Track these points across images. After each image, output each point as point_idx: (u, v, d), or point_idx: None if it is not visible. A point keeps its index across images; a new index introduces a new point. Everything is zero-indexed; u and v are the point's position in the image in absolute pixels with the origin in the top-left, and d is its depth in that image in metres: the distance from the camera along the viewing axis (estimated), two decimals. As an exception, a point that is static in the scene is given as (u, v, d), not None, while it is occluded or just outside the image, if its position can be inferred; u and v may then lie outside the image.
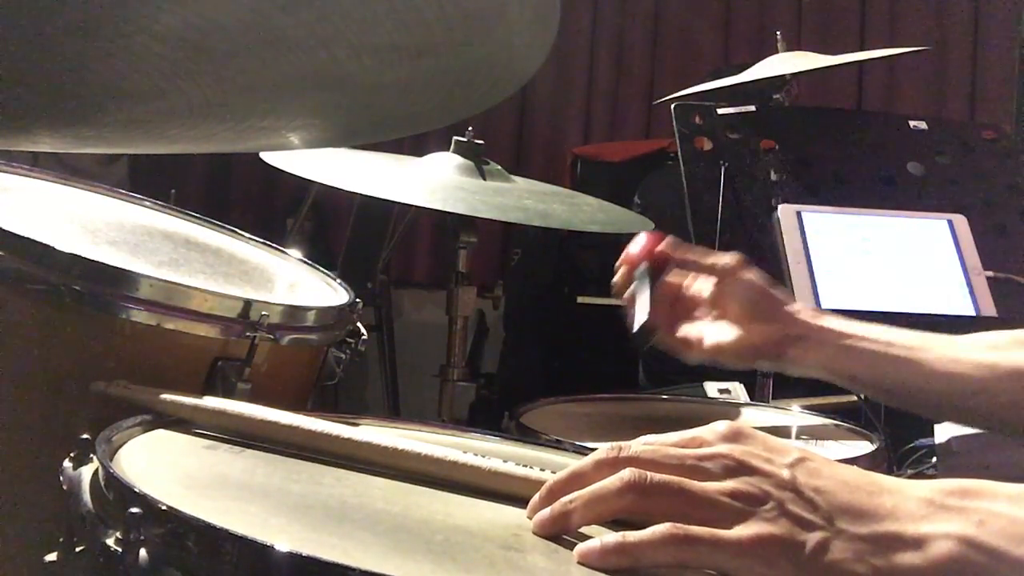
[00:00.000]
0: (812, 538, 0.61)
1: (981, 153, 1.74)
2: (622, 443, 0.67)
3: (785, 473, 0.64)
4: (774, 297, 1.13)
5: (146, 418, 0.80)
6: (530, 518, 0.67)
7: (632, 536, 0.60)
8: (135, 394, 0.86)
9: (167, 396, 0.84)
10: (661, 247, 1.15)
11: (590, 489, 0.65)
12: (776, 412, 1.54)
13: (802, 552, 0.60)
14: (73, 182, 1.29)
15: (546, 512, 0.66)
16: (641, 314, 1.07)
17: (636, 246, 1.16)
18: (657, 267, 1.14)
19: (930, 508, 0.63)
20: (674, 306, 1.16)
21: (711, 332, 1.14)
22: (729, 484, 0.63)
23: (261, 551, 0.53)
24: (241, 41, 0.80)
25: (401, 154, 1.59)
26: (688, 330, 1.15)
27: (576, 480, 0.66)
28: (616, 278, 1.18)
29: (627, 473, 0.64)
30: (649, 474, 0.64)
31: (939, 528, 0.61)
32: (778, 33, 2.39)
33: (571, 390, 1.50)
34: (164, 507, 0.56)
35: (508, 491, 0.73)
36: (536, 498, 0.68)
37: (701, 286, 1.15)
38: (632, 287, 1.13)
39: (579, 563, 0.61)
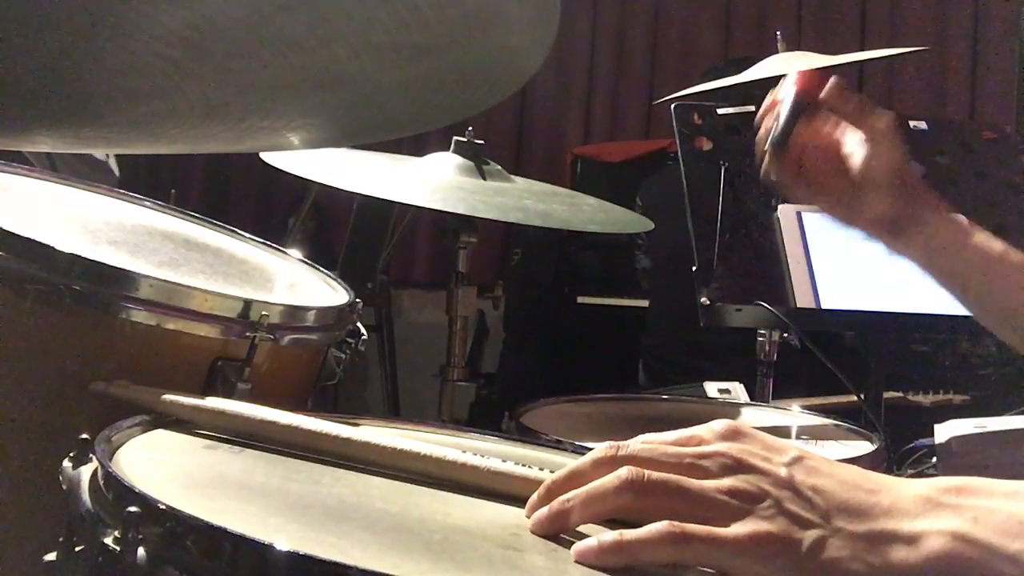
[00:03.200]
0: (809, 536, 0.61)
1: (981, 153, 1.74)
2: (620, 442, 0.67)
3: (783, 471, 0.64)
4: (912, 173, 1.10)
5: (146, 418, 0.80)
6: (528, 517, 0.67)
7: (630, 534, 0.61)
8: (135, 394, 0.86)
9: (167, 396, 0.84)
10: (824, 90, 1.11)
11: (588, 488, 0.65)
12: (776, 412, 1.54)
13: (799, 550, 0.60)
14: (73, 182, 1.29)
15: (544, 511, 0.66)
16: (778, 128, 1.05)
17: (790, 80, 1.12)
18: (808, 97, 1.10)
19: (926, 505, 0.63)
20: (815, 156, 1.11)
21: (843, 195, 1.11)
22: (727, 482, 0.63)
23: (260, 550, 0.53)
24: (241, 41, 0.80)
25: (401, 154, 1.59)
26: (822, 188, 1.12)
27: (574, 479, 0.66)
28: (761, 110, 1.14)
29: (625, 472, 0.64)
30: (647, 472, 0.64)
31: (934, 524, 0.61)
32: (778, 33, 2.38)
33: (571, 390, 1.50)
34: (163, 506, 0.56)
35: (507, 491, 0.73)
36: (534, 497, 0.68)
37: (849, 138, 1.10)
38: (776, 110, 1.10)
39: (577, 562, 0.61)
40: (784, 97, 1.10)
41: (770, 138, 1.06)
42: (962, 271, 1.08)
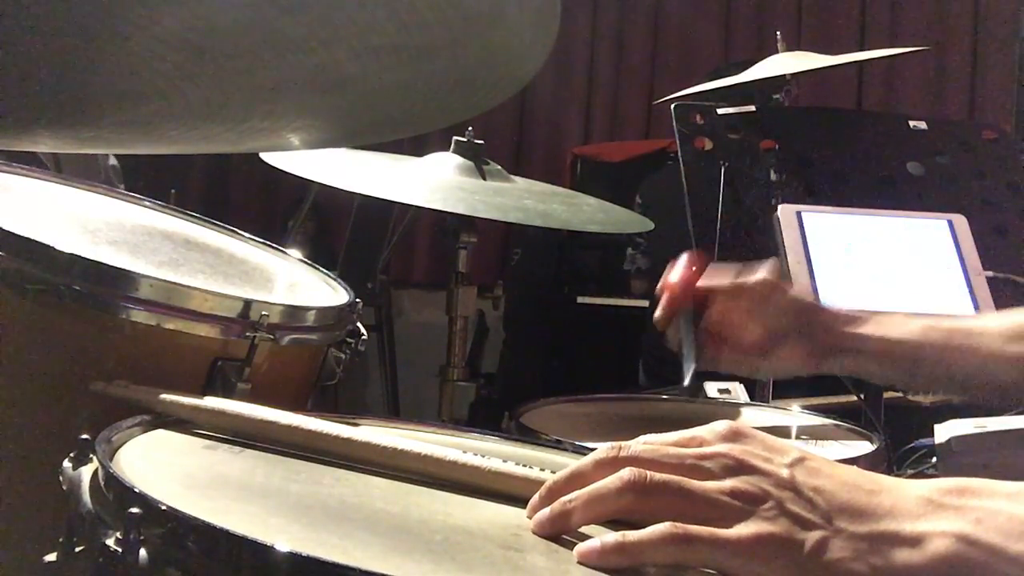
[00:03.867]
0: (811, 537, 0.61)
1: (981, 153, 1.74)
2: (622, 443, 0.67)
3: (784, 472, 0.64)
4: (810, 312, 1.17)
5: (146, 418, 0.80)
6: (530, 518, 0.67)
7: (632, 535, 0.61)
8: (135, 394, 0.86)
9: (167, 396, 0.84)
10: (700, 284, 1.18)
11: (589, 489, 0.65)
12: (776, 412, 1.54)
13: (801, 551, 0.60)
14: (73, 182, 1.29)
15: (546, 512, 0.66)
16: (689, 363, 1.12)
17: (676, 275, 1.19)
18: (698, 306, 1.17)
19: (928, 506, 0.63)
20: (719, 335, 1.19)
21: (765, 355, 1.18)
22: (728, 483, 0.63)
23: (261, 551, 0.53)
24: (241, 42, 0.80)
25: (401, 154, 1.59)
26: (738, 366, 1.20)
27: (576, 480, 0.66)
28: (657, 313, 1.20)
29: (627, 473, 0.64)
30: (649, 473, 0.64)
31: (937, 526, 0.61)
32: (778, 33, 2.39)
33: (571, 390, 1.49)
34: (164, 507, 0.56)
35: (508, 491, 0.73)
36: (536, 498, 0.68)
37: (739, 313, 1.17)
38: (678, 328, 1.17)
39: (579, 563, 0.61)
40: (683, 328, 1.17)
41: (689, 376, 1.13)
42: (909, 359, 1.14)
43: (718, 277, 1.19)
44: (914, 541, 0.61)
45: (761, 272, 1.17)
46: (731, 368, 1.21)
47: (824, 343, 1.15)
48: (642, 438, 0.68)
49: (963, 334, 1.12)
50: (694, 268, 1.19)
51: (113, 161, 2.44)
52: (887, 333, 1.13)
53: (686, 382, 1.13)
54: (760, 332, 1.16)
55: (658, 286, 1.21)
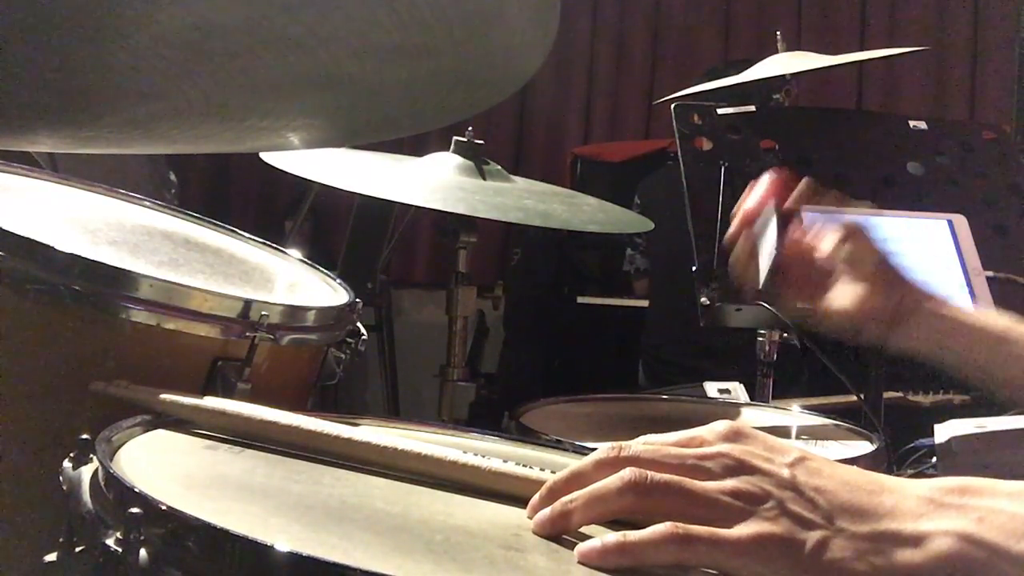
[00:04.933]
0: (812, 537, 0.61)
1: (981, 153, 1.74)
2: (622, 443, 0.67)
3: (785, 472, 0.64)
4: (896, 266, 1.08)
5: (146, 418, 0.80)
6: (530, 518, 0.67)
7: (632, 535, 0.61)
8: (135, 394, 0.86)
9: (167, 396, 0.84)
10: (789, 201, 1.07)
11: (590, 489, 0.65)
12: (776, 412, 1.54)
13: (802, 551, 0.60)
14: (73, 182, 1.29)
15: (546, 512, 0.66)
16: (766, 261, 1.00)
17: (759, 190, 1.08)
18: (785, 214, 1.06)
19: (929, 506, 0.63)
20: (794, 264, 1.08)
21: (831, 298, 1.08)
22: (729, 483, 0.63)
23: (261, 551, 0.53)
24: (241, 41, 0.80)
25: (401, 154, 1.59)
26: (809, 295, 1.09)
27: (576, 480, 0.66)
28: (731, 228, 1.11)
29: (627, 473, 0.64)
30: (649, 473, 0.64)
31: (938, 525, 0.61)
32: (778, 33, 2.39)
33: (571, 390, 1.50)
34: (164, 507, 0.56)
35: (508, 491, 0.73)
36: (536, 498, 0.68)
37: (825, 243, 1.08)
38: (755, 229, 1.07)
39: (579, 563, 0.61)
40: (763, 217, 1.06)
41: (765, 272, 1.02)
42: (967, 354, 1.05)
43: (811, 197, 1.09)
44: (915, 540, 0.61)
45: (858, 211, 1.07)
46: (787, 303, 1.09)
47: (903, 304, 1.05)
48: (642, 438, 0.68)
49: None
50: (785, 182, 1.09)
51: (172, 177, 2.43)
52: (974, 318, 1.05)
53: (760, 285, 1.00)
54: (835, 269, 1.06)
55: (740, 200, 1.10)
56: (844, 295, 1.07)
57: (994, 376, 1.05)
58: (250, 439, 0.80)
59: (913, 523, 0.62)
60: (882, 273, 1.07)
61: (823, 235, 1.09)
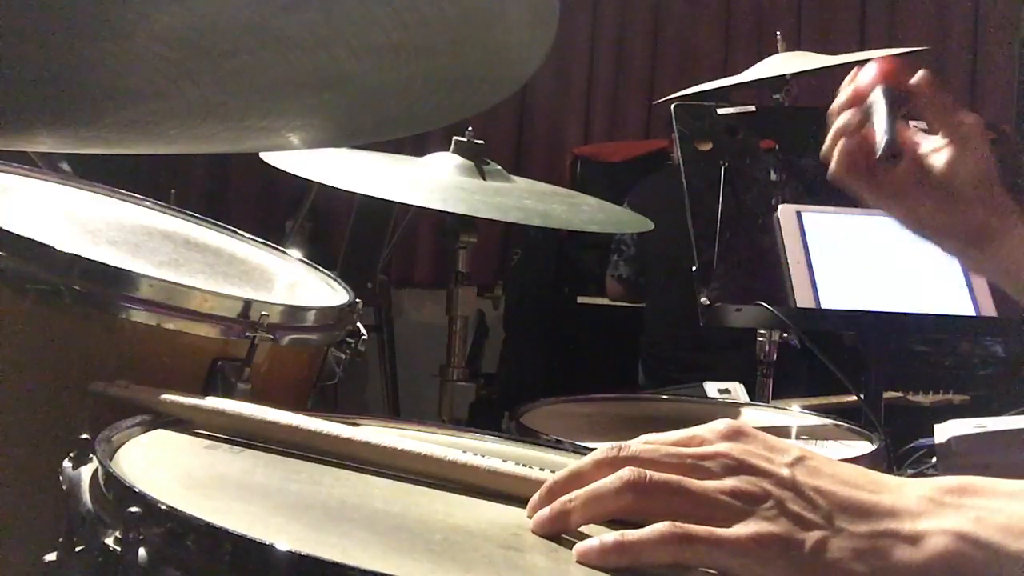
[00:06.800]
0: (811, 537, 0.61)
1: (981, 153, 1.74)
2: (622, 443, 0.67)
3: (785, 472, 0.64)
4: (999, 181, 1.01)
5: (146, 418, 0.80)
6: (530, 517, 0.67)
7: (631, 535, 0.61)
8: (135, 394, 0.86)
9: (167, 396, 0.84)
10: (913, 81, 1.01)
11: (589, 488, 0.65)
12: (776, 412, 1.54)
13: (801, 551, 0.60)
14: (73, 182, 1.29)
15: (545, 511, 0.66)
16: (882, 133, 0.96)
17: (870, 71, 1.04)
18: (897, 94, 1.01)
19: (928, 505, 0.63)
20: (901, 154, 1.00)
21: (923, 203, 1.02)
22: (729, 483, 0.63)
23: (261, 550, 0.53)
24: (241, 41, 0.80)
25: (401, 154, 1.59)
26: (903, 193, 1.02)
27: (576, 479, 0.66)
28: (836, 102, 1.06)
29: (626, 472, 0.64)
30: (648, 473, 0.64)
31: (936, 524, 0.61)
32: (778, 33, 2.39)
33: (571, 390, 1.50)
34: (163, 507, 0.56)
35: (508, 491, 0.73)
36: (536, 498, 0.68)
37: (930, 140, 1.02)
38: (865, 106, 1.02)
39: (578, 562, 0.61)
40: (875, 97, 1.01)
41: (881, 147, 0.96)
42: None
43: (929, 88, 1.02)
44: (914, 540, 0.61)
45: (972, 119, 1.01)
46: (878, 194, 1.03)
47: (990, 224, 0.99)
48: (642, 438, 0.68)
49: None
50: (899, 66, 1.03)
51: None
52: None
53: (880, 151, 0.94)
54: (947, 173, 1.00)
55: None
56: (937, 202, 1.01)
57: None
58: (250, 439, 0.80)
59: (912, 523, 0.62)
60: (983, 186, 1.00)
61: (930, 136, 1.03)
